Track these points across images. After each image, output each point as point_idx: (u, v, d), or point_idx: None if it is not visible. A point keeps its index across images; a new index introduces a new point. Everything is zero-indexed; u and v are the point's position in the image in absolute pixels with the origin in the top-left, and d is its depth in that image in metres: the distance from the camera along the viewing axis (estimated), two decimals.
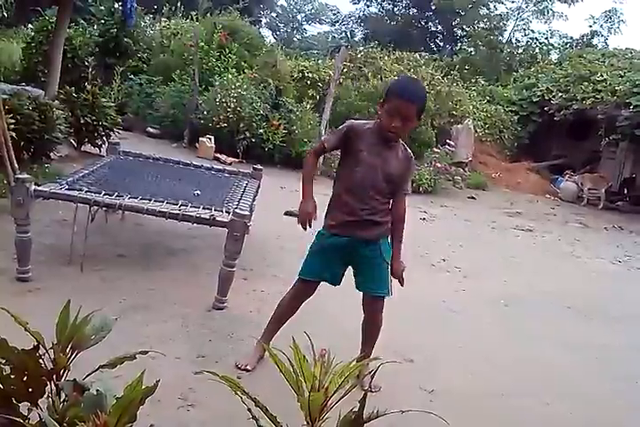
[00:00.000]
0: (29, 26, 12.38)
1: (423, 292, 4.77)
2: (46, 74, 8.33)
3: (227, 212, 3.81)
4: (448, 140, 12.11)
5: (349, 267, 3.00)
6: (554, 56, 21.28)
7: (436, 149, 11.63)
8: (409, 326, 3.90)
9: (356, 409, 1.46)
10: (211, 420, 2.48)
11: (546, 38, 23.62)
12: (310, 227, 2.87)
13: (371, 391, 2.81)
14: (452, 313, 4.45)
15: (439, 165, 10.91)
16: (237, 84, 10.30)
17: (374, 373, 1.68)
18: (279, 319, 3.07)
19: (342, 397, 1.53)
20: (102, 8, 12.34)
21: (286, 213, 5.96)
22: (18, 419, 1.45)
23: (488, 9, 26.93)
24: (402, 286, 2.96)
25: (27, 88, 6.91)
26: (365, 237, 2.88)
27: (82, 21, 12.47)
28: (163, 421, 2.29)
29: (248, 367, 2.96)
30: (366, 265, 2.94)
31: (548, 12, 24.56)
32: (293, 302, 3.04)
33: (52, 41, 8.28)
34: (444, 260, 5.96)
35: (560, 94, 13.84)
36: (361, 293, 3.01)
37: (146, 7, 14.65)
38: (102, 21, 12.14)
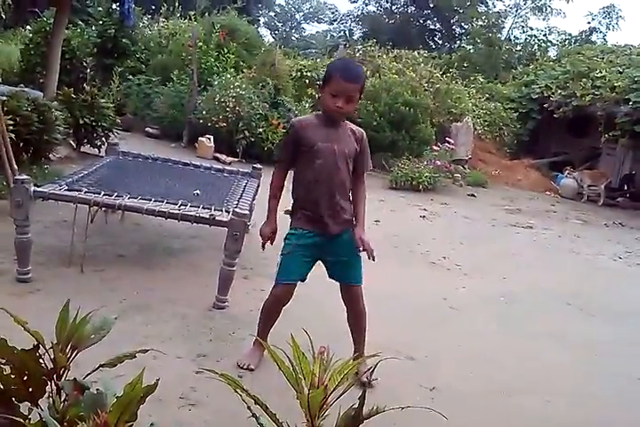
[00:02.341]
0: (27, 27, 12.38)
1: (423, 289, 4.78)
2: (45, 75, 8.33)
3: (226, 211, 3.82)
4: (447, 138, 12.09)
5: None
6: (552, 53, 21.25)
7: (435, 147, 11.61)
8: (409, 324, 3.91)
9: (355, 406, 1.46)
10: (212, 419, 2.49)
11: (544, 35, 23.56)
12: (264, 249, 3.00)
13: (369, 386, 2.85)
14: (453, 311, 4.45)
15: (439, 162, 10.89)
16: (236, 83, 10.30)
17: (373, 369, 1.68)
18: (267, 324, 3.05)
19: (342, 394, 1.54)
20: (100, 9, 12.37)
21: (286, 212, 5.96)
22: (18, 419, 1.46)
23: (486, 6, 26.95)
24: (373, 259, 2.86)
25: (25, 89, 6.91)
26: (336, 231, 2.92)
27: (80, 22, 12.49)
28: (164, 420, 2.29)
29: (251, 367, 2.96)
30: (339, 258, 2.97)
31: (546, 9, 24.53)
32: (277, 307, 3.02)
33: (50, 42, 8.28)
34: (444, 257, 5.95)
35: (559, 91, 13.81)
36: None
37: (144, 8, 14.67)
38: (100, 22, 12.15)
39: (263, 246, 3.04)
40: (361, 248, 2.88)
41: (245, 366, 2.96)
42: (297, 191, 3.00)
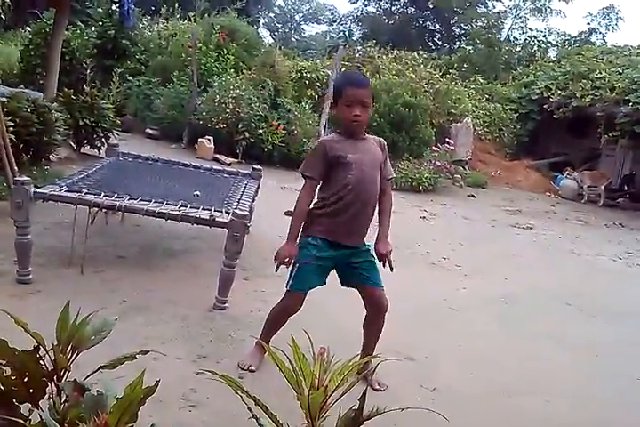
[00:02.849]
0: (27, 28, 12.39)
1: (424, 290, 4.78)
2: (44, 76, 8.35)
3: (226, 212, 3.82)
4: (447, 139, 12.10)
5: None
6: (552, 54, 21.25)
7: (435, 148, 11.63)
8: (410, 325, 3.90)
9: (355, 407, 1.46)
10: (212, 420, 2.49)
11: (544, 36, 23.58)
12: (277, 270, 2.88)
13: (380, 390, 2.86)
14: (453, 311, 4.45)
15: (439, 163, 10.90)
16: (236, 84, 10.31)
17: (373, 370, 1.68)
18: (273, 328, 3.03)
19: (342, 395, 1.53)
20: (100, 10, 12.38)
21: (286, 213, 5.96)
22: (19, 420, 1.46)
23: (486, 7, 26.99)
24: (391, 269, 2.95)
25: (25, 90, 6.92)
26: (358, 243, 2.93)
27: (79, 23, 12.51)
28: (164, 421, 2.29)
29: (252, 368, 2.96)
30: (363, 267, 2.95)
31: (545, 10, 24.56)
32: (287, 315, 3.00)
33: (50, 43, 8.29)
34: (444, 258, 5.96)
35: (559, 92, 13.83)
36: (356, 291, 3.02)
37: (143, 9, 14.68)
38: (100, 23, 12.17)
39: (277, 268, 2.88)
40: (382, 263, 2.96)
41: (246, 368, 2.96)
42: (326, 200, 2.91)
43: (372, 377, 2.91)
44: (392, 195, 3.11)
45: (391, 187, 3.13)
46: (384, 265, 2.96)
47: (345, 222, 2.87)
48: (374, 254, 2.97)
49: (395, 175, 3.12)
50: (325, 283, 2.99)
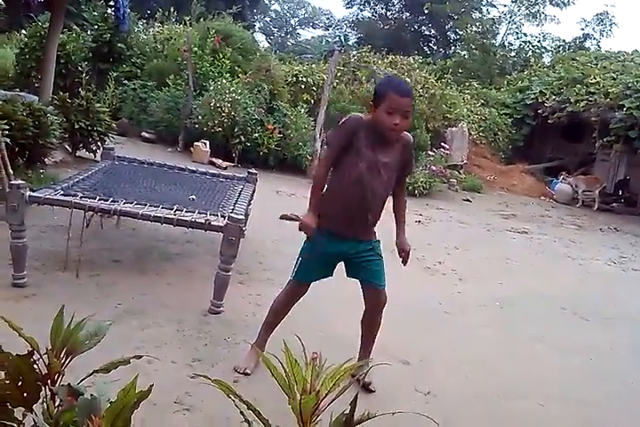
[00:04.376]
0: (22, 31, 12.38)
1: (419, 294, 4.78)
2: (40, 79, 8.35)
3: (222, 216, 3.82)
4: (443, 143, 12.13)
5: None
6: (547, 59, 21.34)
7: (430, 152, 11.66)
8: (404, 329, 3.91)
9: (347, 411, 1.47)
10: (206, 424, 2.49)
11: (538, 41, 23.67)
12: (310, 239, 2.91)
13: (371, 391, 2.86)
14: (448, 315, 4.46)
15: (434, 167, 10.93)
16: (231, 88, 10.32)
17: (366, 374, 1.69)
18: (274, 321, 3.09)
19: (334, 399, 1.54)
20: (95, 13, 12.36)
21: (282, 217, 5.97)
22: (12, 424, 1.46)
23: (481, 13, 27.06)
24: (404, 264, 3.06)
25: (20, 94, 6.90)
26: (364, 238, 2.95)
27: (75, 27, 12.49)
28: (158, 425, 2.29)
29: (247, 371, 2.96)
30: (365, 261, 2.97)
31: (540, 16, 24.62)
32: (289, 303, 3.07)
33: (46, 47, 8.30)
34: (439, 262, 5.97)
35: (553, 97, 13.89)
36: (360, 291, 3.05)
37: (139, 12, 14.68)
38: (95, 27, 12.16)
39: (309, 238, 2.91)
40: (402, 260, 3.05)
41: (242, 371, 2.96)
42: (333, 191, 2.93)
43: (364, 381, 2.90)
44: (405, 197, 3.19)
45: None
46: (404, 262, 3.06)
47: (347, 214, 2.88)
48: (380, 253, 2.99)
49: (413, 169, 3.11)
50: (332, 275, 3.04)
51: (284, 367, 1.55)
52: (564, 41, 24.14)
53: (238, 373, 2.95)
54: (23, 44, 11.01)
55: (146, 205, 3.84)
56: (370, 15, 32.22)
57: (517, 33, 24.47)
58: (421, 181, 10.19)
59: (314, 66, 13.73)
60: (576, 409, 3.24)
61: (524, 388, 3.41)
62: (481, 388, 3.31)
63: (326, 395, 1.50)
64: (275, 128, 10.16)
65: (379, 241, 3.02)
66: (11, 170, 4.94)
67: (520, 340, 4.19)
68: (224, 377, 2.44)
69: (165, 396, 2.55)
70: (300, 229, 2.88)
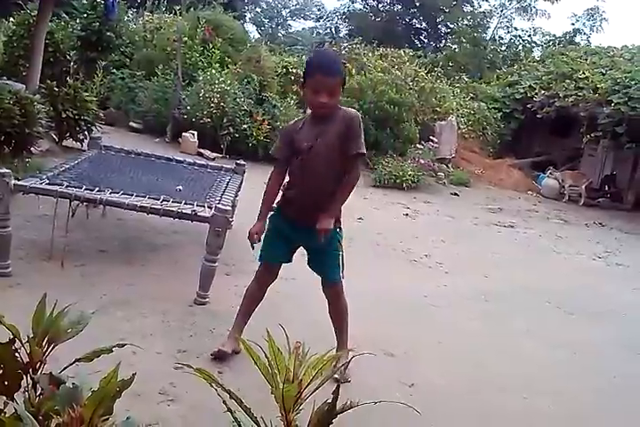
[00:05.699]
0: (10, 19, 12.23)
1: (404, 287, 4.80)
2: (27, 68, 8.25)
3: (209, 207, 3.82)
4: (431, 137, 12.13)
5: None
6: (537, 53, 21.39)
7: (419, 146, 11.66)
8: (390, 321, 3.93)
9: (329, 401, 1.48)
10: (190, 414, 2.49)
11: (529, 36, 23.74)
12: (253, 248, 3.03)
13: (343, 382, 2.86)
14: (434, 308, 4.48)
15: (422, 161, 10.93)
16: (221, 79, 10.26)
17: (347, 364, 1.70)
18: (248, 309, 3.12)
19: (316, 389, 1.55)
20: (84, 1, 12.24)
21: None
22: None
23: (472, 6, 27.06)
24: (319, 241, 2.82)
25: (7, 82, 6.85)
26: (309, 224, 2.84)
27: (64, 15, 12.37)
28: (142, 415, 2.29)
29: (222, 348, 2.97)
30: (317, 252, 3.00)
31: (530, 10, 24.73)
32: (260, 289, 3.12)
33: (34, 35, 8.21)
34: (426, 255, 5.99)
35: (542, 92, 13.91)
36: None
37: (129, 1, 14.54)
38: (84, 15, 12.04)
39: (252, 246, 3.03)
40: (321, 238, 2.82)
41: (217, 350, 2.97)
42: (287, 184, 3.06)
43: (344, 372, 2.80)
44: (359, 174, 2.99)
45: (359, 165, 3.00)
46: (319, 240, 2.82)
47: (297, 205, 2.95)
48: (338, 243, 2.96)
49: (364, 151, 2.87)
50: (291, 261, 3.09)
51: (266, 356, 1.56)
52: (554, 36, 24.19)
53: (215, 356, 2.96)
54: (11, 31, 10.89)
55: (132, 195, 3.83)
56: (361, 7, 32.06)
57: (508, 27, 24.59)
58: (409, 175, 10.20)
59: (304, 57, 13.67)
60: (561, 403, 3.27)
61: (508, 381, 3.43)
62: (466, 381, 3.33)
63: (308, 384, 1.51)
64: (264, 119, 10.12)
65: (339, 229, 2.95)
66: None
67: (505, 333, 4.22)
68: (209, 368, 2.45)
69: (150, 386, 2.55)
70: (248, 238, 2.98)
